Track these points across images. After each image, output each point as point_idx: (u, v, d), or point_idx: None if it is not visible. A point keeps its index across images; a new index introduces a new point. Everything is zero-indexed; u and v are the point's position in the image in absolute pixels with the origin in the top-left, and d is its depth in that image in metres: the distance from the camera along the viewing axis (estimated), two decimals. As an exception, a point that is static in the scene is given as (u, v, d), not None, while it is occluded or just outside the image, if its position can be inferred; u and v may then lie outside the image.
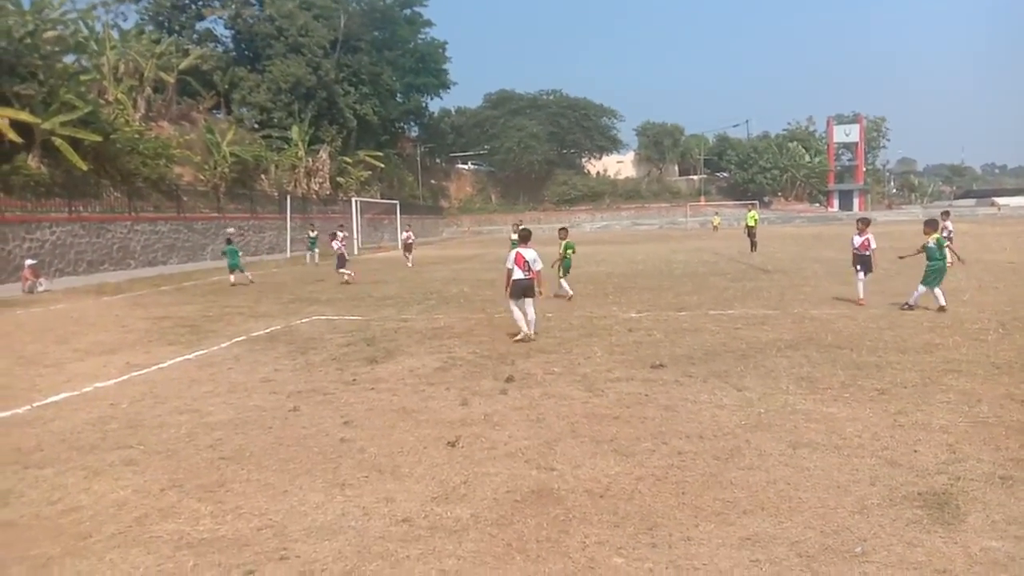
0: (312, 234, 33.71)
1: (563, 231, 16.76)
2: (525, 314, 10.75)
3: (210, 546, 4.29)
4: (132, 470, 5.66)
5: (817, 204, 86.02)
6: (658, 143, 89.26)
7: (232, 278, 21.76)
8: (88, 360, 10.33)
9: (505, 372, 8.62)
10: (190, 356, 10.39)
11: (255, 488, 5.21)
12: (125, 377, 9.07)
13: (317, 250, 32.72)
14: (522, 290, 10.67)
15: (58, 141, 26.88)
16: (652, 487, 4.97)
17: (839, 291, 15.18)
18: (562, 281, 15.76)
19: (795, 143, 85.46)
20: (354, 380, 8.55)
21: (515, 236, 36.36)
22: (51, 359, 10.49)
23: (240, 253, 22.71)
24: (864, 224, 13.76)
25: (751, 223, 31.37)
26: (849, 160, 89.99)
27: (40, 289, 20.80)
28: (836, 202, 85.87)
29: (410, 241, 30.19)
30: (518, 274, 10.57)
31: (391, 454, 5.86)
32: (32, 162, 26.24)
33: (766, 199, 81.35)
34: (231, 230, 34.99)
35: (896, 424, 6.18)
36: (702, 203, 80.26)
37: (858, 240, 13.57)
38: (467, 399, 7.49)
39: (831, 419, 6.37)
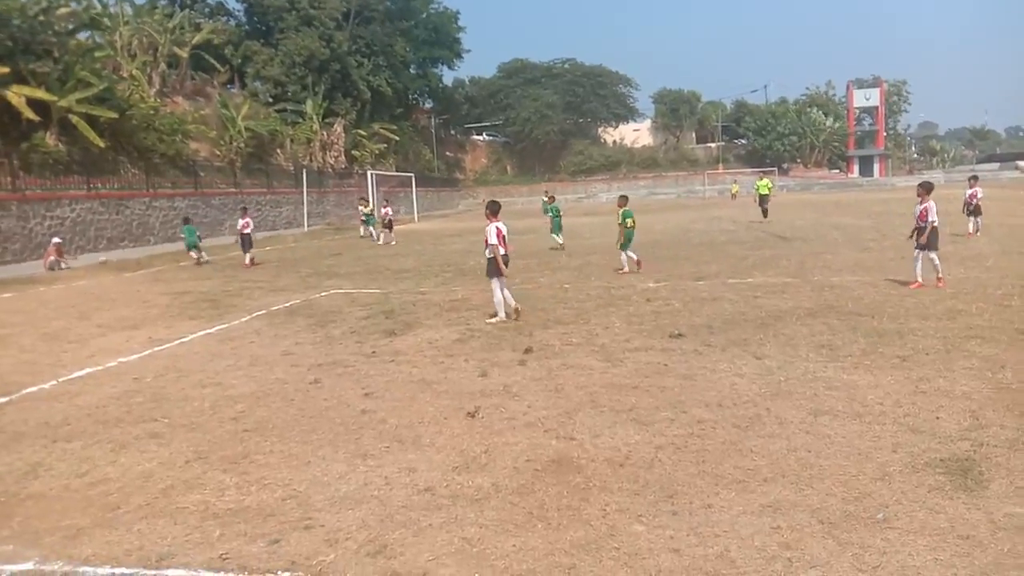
0: (365, 209, 31.56)
1: (623, 199, 15.73)
2: (500, 292, 10.30)
3: (235, 516, 4.36)
4: (157, 443, 5.75)
5: (837, 170, 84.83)
6: (675, 111, 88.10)
7: (193, 255, 21.71)
8: (111, 335, 10.46)
9: (523, 343, 8.64)
10: (211, 330, 10.49)
11: (278, 459, 5.28)
12: (148, 352, 9.19)
13: (373, 227, 30.23)
14: (504, 265, 10.25)
15: (75, 118, 26.93)
16: (672, 456, 4.99)
17: (865, 260, 15.03)
18: (623, 255, 15.02)
19: (814, 108, 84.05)
20: (373, 352, 8.61)
21: (546, 199, 36.34)
22: (75, 335, 10.64)
23: (198, 232, 22.59)
24: (924, 190, 11.68)
25: (763, 191, 30.24)
26: (870, 125, 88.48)
27: (63, 266, 21.03)
28: (856, 168, 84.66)
29: (390, 217, 28.33)
30: (501, 250, 10.16)
31: (411, 425, 5.91)
32: (50, 140, 26.34)
33: (785, 166, 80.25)
34: (187, 209, 31.80)
35: (918, 391, 6.14)
36: (720, 171, 79.38)
37: (918, 208, 11.69)
38: (486, 370, 7.52)
39: (852, 386, 6.34)
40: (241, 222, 20.81)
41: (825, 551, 3.66)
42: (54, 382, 7.88)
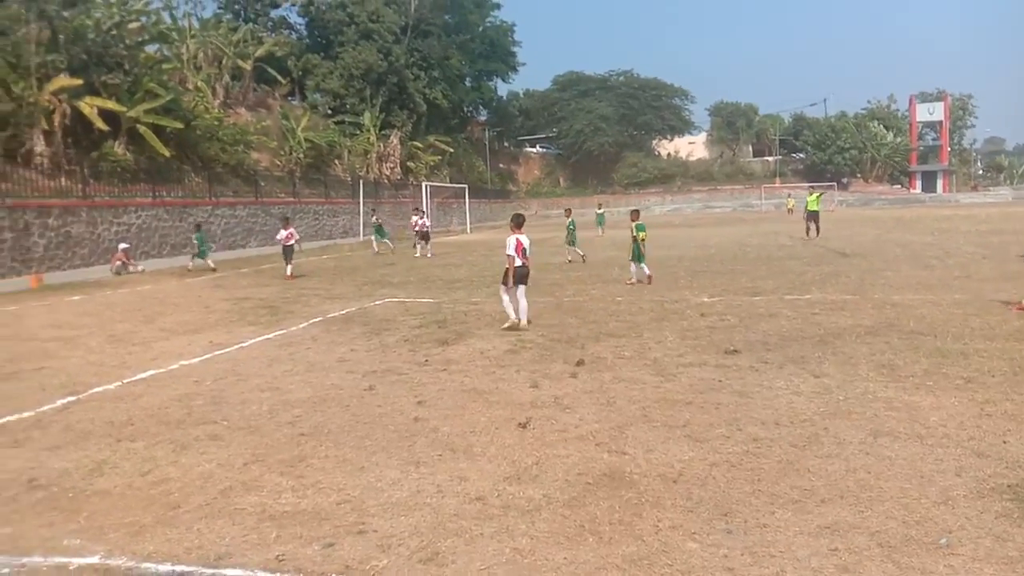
0: (374, 220, 31.02)
1: (635, 212, 16.22)
2: (517, 302, 10.59)
3: (292, 519, 4.45)
4: (217, 445, 5.90)
5: (898, 186, 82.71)
6: (731, 123, 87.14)
7: (205, 262, 22.43)
8: (173, 339, 10.77)
9: (575, 355, 8.62)
10: (270, 336, 10.73)
11: (333, 464, 5.37)
12: (209, 355, 9.44)
13: (387, 240, 30.14)
14: (521, 277, 10.57)
15: (142, 128, 27.92)
16: (726, 473, 4.92)
17: (927, 278, 14.62)
18: (633, 265, 15.56)
19: (875, 122, 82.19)
20: (426, 361, 8.69)
21: (599, 210, 36.28)
22: (139, 338, 10.98)
23: (207, 240, 23.25)
24: None
25: (813, 206, 28.50)
26: (933, 140, 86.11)
27: (129, 271, 21.76)
28: (919, 184, 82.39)
29: (425, 228, 26.58)
30: (517, 261, 10.47)
31: (463, 434, 5.94)
32: (118, 149, 27.33)
33: (844, 180, 78.57)
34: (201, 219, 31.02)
35: (983, 414, 5.94)
36: (777, 185, 78.11)
37: None
38: (537, 381, 7.52)
39: (914, 408, 6.17)
40: (284, 233, 19.86)
41: (884, 575, 3.57)
42: (119, 383, 8.15)
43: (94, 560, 4.03)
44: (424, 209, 34.44)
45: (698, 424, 5.95)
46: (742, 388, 6.98)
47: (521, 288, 10.64)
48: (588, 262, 20.48)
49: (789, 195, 65.51)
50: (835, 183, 72.34)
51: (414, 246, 27.17)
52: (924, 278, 14.36)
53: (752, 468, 4.99)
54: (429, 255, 25.57)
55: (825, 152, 79.26)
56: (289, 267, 19.60)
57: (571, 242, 21.59)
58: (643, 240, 15.35)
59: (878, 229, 32.07)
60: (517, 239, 10.53)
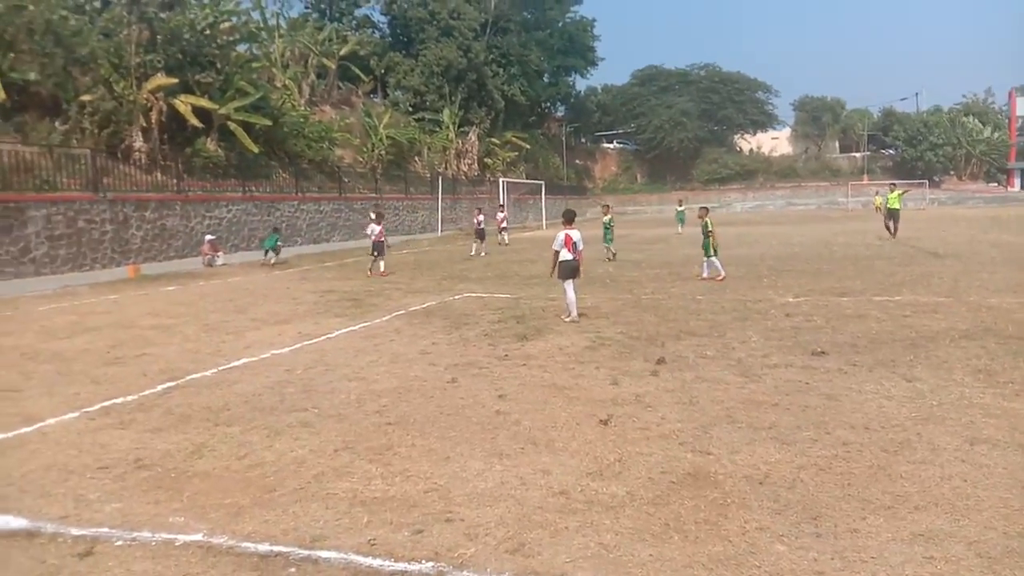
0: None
1: (703, 210, 16.17)
2: (565, 294, 10.96)
3: (381, 505, 4.59)
4: (308, 431, 6.12)
5: (995, 184, 78.59)
6: (817, 118, 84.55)
7: (268, 257, 22.59)
8: (264, 329, 11.18)
9: (655, 353, 8.57)
10: (355, 328, 11.03)
11: (419, 453, 5.51)
12: (298, 345, 9.77)
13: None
14: (570, 271, 10.88)
15: (232, 125, 28.98)
16: (815, 477, 4.83)
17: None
18: (704, 261, 15.60)
19: (971, 117, 78.32)
20: (506, 356, 8.78)
21: (680, 208, 36.03)
22: (232, 327, 11.45)
23: (279, 240, 23.16)
24: None
25: (894, 204, 26.27)
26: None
27: (218, 263, 22.66)
28: (1017, 181, 78.08)
29: (482, 226, 25.56)
30: (565, 255, 10.81)
31: (545, 428, 6.00)
32: (210, 145, 28.45)
33: (936, 178, 75.22)
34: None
35: (1092, 424, 5.65)
36: (865, 182, 75.31)
37: None
38: (617, 379, 7.52)
39: (1014, 415, 5.92)
40: (377, 229, 19.11)
41: (985, 587, 3.46)
42: (215, 370, 8.52)
43: (197, 537, 4.25)
44: (504, 204, 34.87)
45: (784, 426, 5.85)
46: (830, 391, 6.82)
47: (570, 282, 10.99)
48: (665, 261, 20.26)
49: (877, 192, 63.10)
50: (926, 181, 69.31)
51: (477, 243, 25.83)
52: (1023, 280, 13.68)
53: (842, 472, 4.88)
54: (483, 254, 24.45)
55: (916, 148, 76.04)
56: (381, 263, 18.93)
57: (609, 240, 21.54)
58: (712, 235, 15.30)
59: (972, 229, 30.64)
60: (566, 234, 10.95)
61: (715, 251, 15.41)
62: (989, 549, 3.80)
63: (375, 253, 19.00)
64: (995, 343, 8.57)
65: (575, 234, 10.92)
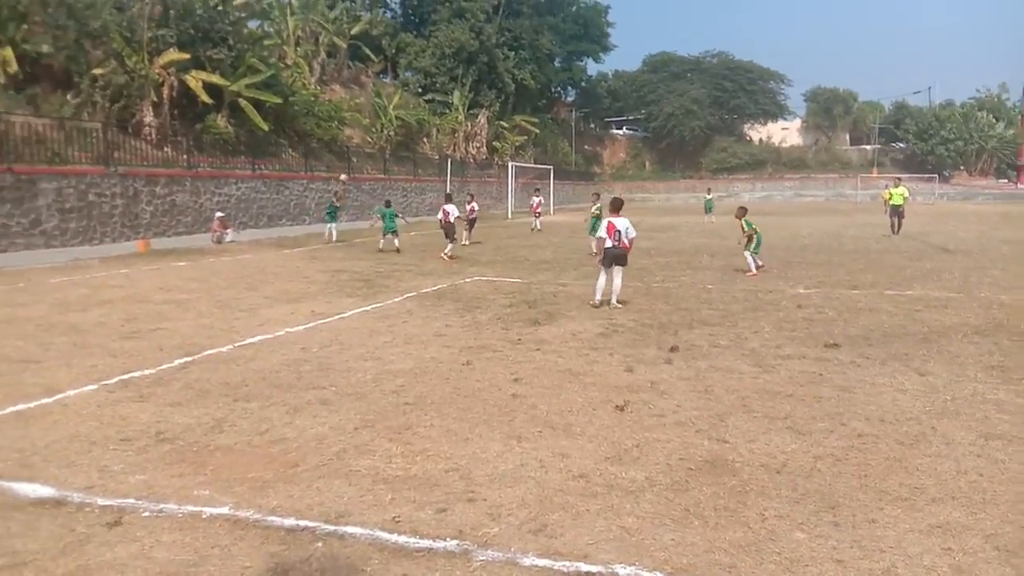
0: (337, 202, 25.34)
1: (742, 210, 15.79)
2: (611, 282, 11.01)
3: (404, 483, 4.65)
4: (327, 409, 6.18)
5: (1004, 180, 78.21)
6: (828, 110, 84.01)
7: (381, 243, 20.31)
8: (277, 307, 11.23)
9: (668, 341, 8.62)
10: (368, 308, 11.08)
11: (439, 433, 5.56)
12: (312, 324, 9.82)
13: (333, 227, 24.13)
14: (613, 258, 10.94)
15: (243, 102, 28.90)
16: (832, 467, 4.88)
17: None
18: (749, 257, 15.08)
19: (984, 112, 77.82)
20: (519, 340, 8.83)
21: (708, 196, 35.73)
22: (245, 304, 11.50)
23: (398, 216, 20.72)
24: None
25: (898, 200, 25.31)
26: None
27: (227, 239, 22.70)
28: (1028, 178, 77.82)
29: (473, 216, 23.11)
30: (608, 243, 10.85)
31: (561, 412, 6.05)
32: (221, 122, 28.39)
33: (946, 172, 74.87)
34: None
35: (1107, 423, 5.68)
36: (874, 175, 74.97)
37: None
38: (631, 366, 7.56)
39: (1029, 412, 5.96)
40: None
41: (1004, 580, 3.51)
42: (231, 346, 8.58)
43: (224, 510, 4.31)
44: (540, 190, 34.48)
45: (800, 417, 5.90)
46: (844, 383, 6.86)
47: (616, 269, 11.00)
48: (675, 249, 20.28)
49: (886, 186, 62.91)
50: (936, 175, 69.03)
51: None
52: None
53: (858, 463, 4.93)
54: (465, 243, 21.80)
55: (927, 143, 75.68)
56: (451, 245, 18.27)
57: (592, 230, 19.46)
58: (752, 234, 14.92)
59: (983, 225, 30.58)
60: (610, 222, 10.97)
61: (756, 247, 14.94)
62: (1007, 542, 3.85)
63: (456, 234, 18.91)
64: (1008, 340, 8.60)
65: (620, 222, 10.85)
